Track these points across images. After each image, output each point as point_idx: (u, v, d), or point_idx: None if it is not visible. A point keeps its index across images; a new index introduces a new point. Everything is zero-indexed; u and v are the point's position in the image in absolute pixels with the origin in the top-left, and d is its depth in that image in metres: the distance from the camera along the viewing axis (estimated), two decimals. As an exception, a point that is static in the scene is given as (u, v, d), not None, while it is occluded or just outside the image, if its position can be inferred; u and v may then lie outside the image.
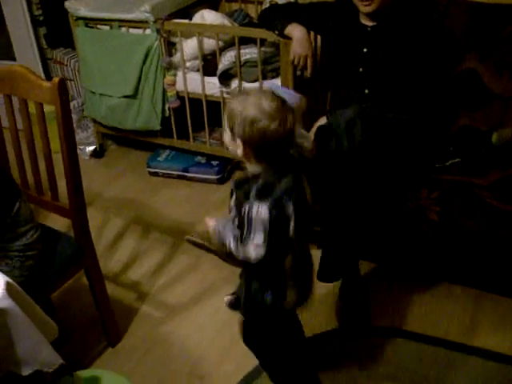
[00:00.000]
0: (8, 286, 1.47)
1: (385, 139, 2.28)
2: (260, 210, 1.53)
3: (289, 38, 2.66)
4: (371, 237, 2.53)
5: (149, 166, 3.53)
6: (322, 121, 2.46)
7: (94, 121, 3.66)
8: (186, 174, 3.45)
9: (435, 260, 2.54)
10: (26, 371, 1.54)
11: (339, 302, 2.46)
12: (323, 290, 2.54)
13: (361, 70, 2.45)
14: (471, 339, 2.30)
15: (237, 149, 1.57)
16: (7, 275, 1.76)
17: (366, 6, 2.34)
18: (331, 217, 2.26)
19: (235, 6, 3.59)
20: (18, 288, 1.52)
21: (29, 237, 1.89)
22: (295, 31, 2.61)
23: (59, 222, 2.42)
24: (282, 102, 1.53)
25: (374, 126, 2.23)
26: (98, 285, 2.25)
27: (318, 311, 2.48)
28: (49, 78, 3.92)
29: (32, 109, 2.05)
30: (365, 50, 2.43)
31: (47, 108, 1.98)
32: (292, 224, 1.59)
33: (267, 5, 3.21)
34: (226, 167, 3.45)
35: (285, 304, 1.75)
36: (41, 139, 2.03)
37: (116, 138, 3.82)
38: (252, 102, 1.52)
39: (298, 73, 2.83)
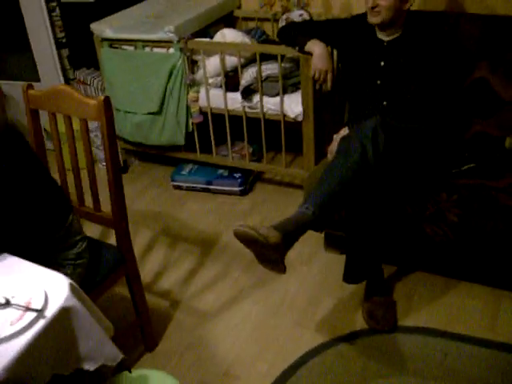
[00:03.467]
0: (71, 286, 1.58)
1: (405, 148, 2.41)
2: None
3: (309, 54, 2.79)
4: (392, 240, 2.64)
5: (173, 180, 3.65)
6: (344, 132, 2.58)
7: (118, 137, 3.78)
8: (210, 186, 3.57)
9: (456, 260, 2.65)
10: (92, 366, 1.64)
11: (365, 303, 2.56)
12: (349, 292, 2.66)
13: (379, 82, 2.57)
14: (493, 335, 2.40)
15: None
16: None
17: (373, 17, 2.48)
18: (356, 222, 2.38)
19: (251, 24, 3.73)
20: (78, 289, 1.63)
21: (79, 247, 2.02)
22: (315, 47, 2.75)
23: (93, 232, 2.52)
24: None
25: (395, 136, 2.35)
26: (138, 291, 2.36)
27: (346, 311, 2.60)
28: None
29: (62, 127, 2.18)
30: (382, 63, 2.55)
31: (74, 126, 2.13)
32: None
33: (283, 22, 3.34)
34: (248, 179, 3.57)
35: None
36: (84, 152, 2.16)
37: (140, 153, 3.95)
38: None
39: (318, 87, 2.95)
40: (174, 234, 3.26)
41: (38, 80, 4.02)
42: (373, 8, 2.43)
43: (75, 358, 1.60)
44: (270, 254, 2.03)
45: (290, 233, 2.09)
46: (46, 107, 2.19)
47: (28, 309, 1.51)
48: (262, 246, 2.01)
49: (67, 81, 4.03)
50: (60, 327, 1.53)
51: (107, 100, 2.00)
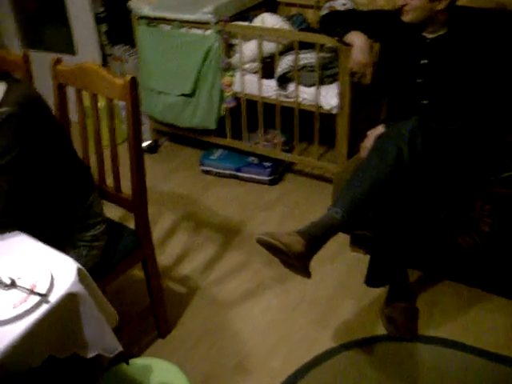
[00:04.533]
0: (79, 271, 1.54)
1: (443, 151, 2.30)
2: None
3: (349, 45, 2.69)
4: (421, 244, 2.55)
5: (202, 164, 3.60)
6: (378, 130, 2.48)
7: (150, 117, 3.75)
8: (238, 173, 3.51)
9: (485, 271, 2.54)
10: (89, 354, 1.60)
11: (385, 308, 2.48)
12: (371, 296, 2.58)
13: (419, 80, 2.46)
14: (519, 353, 2.30)
15: None
16: (74, 262, 1.86)
17: (402, 15, 2.37)
18: (384, 224, 2.29)
19: (294, 10, 3.63)
20: (87, 274, 1.58)
21: (97, 229, 1.98)
22: (356, 38, 2.64)
23: (115, 213, 2.48)
24: None
25: (434, 138, 2.25)
26: (154, 276, 2.32)
27: (366, 315, 2.52)
28: (108, 73, 4.03)
29: (87, 102, 2.14)
30: (423, 61, 2.44)
31: (100, 103, 2.08)
32: None
33: (326, 10, 3.24)
34: (278, 169, 3.50)
35: None
36: (109, 131, 2.11)
37: (170, 134, 3.91)
38: None
39: (356, 80, 2.85)
40: (198, 220, 3.22)
41: (75, 53, 3.99)
42: (402, 6, 2.33)
43: (73, 343, 1.56)
44: (293, 262, 1.97)
45: (316, 238, 2.02)
46: (72, 83, 2.15)
47: (32, 292, 1.47)
48: (285, 255, 1.95)
49: (104, 56, 4.00)
50: (63, 312, 1.48)
51: (133, 80, 1.94)
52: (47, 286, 1.48)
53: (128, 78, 1.93)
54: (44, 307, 1.44)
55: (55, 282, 1.51)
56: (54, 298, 1.46)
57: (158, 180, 3.60)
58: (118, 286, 2.61)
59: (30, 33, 4.23)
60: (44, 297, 1.45)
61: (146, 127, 3.86)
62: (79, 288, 1.51)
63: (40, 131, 1.73)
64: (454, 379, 2.19)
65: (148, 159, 3.83)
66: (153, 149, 3.86)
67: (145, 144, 3.85)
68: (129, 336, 2.35)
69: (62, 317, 1.49)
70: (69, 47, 4.02)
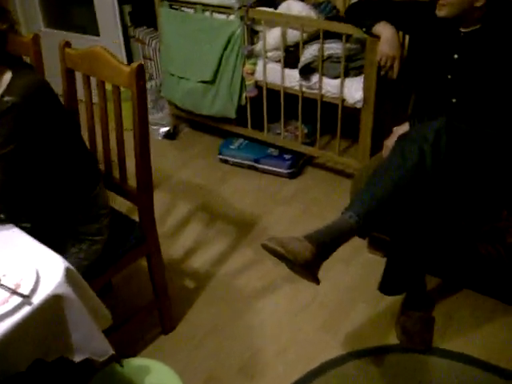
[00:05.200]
0: (67, 272, 1.46)
1: (471, 155, 2.16)
2: None
3: (377, 37, 2.56)
4: (441, 251, 2.41)
5: (220, 153, 3.51)
6: (404, 127, 2.35)
7: (170, 102, 3.66)
8: (257, 164, 3.40)
9: (508, 284, 2.40)
10: (77, 357, 1.54)
11: (400, 316, 2.36)
12: (385, 302, 2.46)
13: (449, 77, 2.31)
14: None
15: None
16: (73, 257, 1.80)
17: (438, 10, 2.21)
18: (403, 229, 2.17)
19: (323, -3, 3.49)
20: (76, 274, 1.51)
21: (100, 222, 1.92)
22: (384, 30, 2.51)
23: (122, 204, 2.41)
24: None
25: (461, 141, 2.11)
26: (158, 272, 2.24)
27: (379, 322, 2.40)
28: (130, 55, 3.96)
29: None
30: (456, 56, 2.29)
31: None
32: None
33: (356, -1, 3.10)
34: (298, 162, 3.39)
35: None
36: (115, 119, 2.02)
37: (190, 121, 3.83)
38: None
39: (383, 73, 2.72)
40: (213, 211, 3.13)
41: (98, 34, 3.92)
42: (437, 0, 2.18)
43: (60, 347, 1.50)
44: (300, 270, 1.86)
45: (327, 244, 1.89)
46: (81, 68, 2.06)
47: (15, 292, 1.39)
48: (291, 262, 1.84)
49: (127, 38, 3.91)
50: (47, 314, 1.41)
51: (140, 68, 1.84)
52: (31, 286, 1.40)
53: (135, 65, 1.84)
54: (26, 309, 1.37)
55: (41, 281, 1.43)
56: (37, 299, 1.39)
57: (176, 167, 3.52)
58: (124, 276, 2.54)
59: (53, 13, 4.15)
60: (26, 298, 1.37)
61: (166, 112, 3.78)
62: (65, 289, 1.44)
63: (44, 121, 1.68)
64: (468, 398, 2.08)
65: (167, 145, 3.76)
66: (172, 135, 3.78)
67: (164, 129, 3.77)
68: (131, 331, 2.28)
69: (46, 319, 1.42)
70: (92, 28, 3.94)
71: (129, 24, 3.88)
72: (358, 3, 2.74)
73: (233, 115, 3.31)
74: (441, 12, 2.22)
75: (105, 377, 1.81)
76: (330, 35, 2.89)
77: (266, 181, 3.37)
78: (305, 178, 3.38)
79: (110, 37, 3.81)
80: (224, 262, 2.77)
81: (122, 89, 1.96)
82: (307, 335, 2.37)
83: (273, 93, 3.19)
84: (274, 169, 3.37)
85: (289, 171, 3.34)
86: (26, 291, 1.39)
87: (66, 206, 1.84)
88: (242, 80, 3.18)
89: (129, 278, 2.62)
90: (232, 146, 3.49)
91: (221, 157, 3.51)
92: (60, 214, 1.85)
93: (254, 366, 2.25)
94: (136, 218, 2.18)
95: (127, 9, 3.83)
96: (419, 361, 2.22)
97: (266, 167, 3.39)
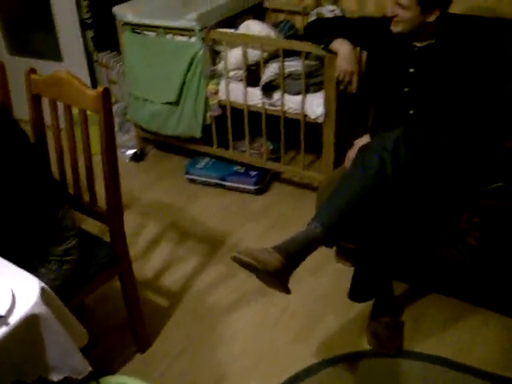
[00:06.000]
0: (43, 292, 1.48)
1: (429, 163, 2.24)
2: None
3: (334, 53, 2.63)
4: (406, 257, 2.49)
5: (187, 173, 3.54)
6: (365, 139, 2.43)
7: (136, 125, 3.70)
8: (224, 182, 3.45)
9: (473, 285, 2.48)
10: (55, 377, 1.56)
11: (371, 322, 2.42)
12: (355, 310, 2.52)
13: (406, 89, 2.40)
14: (507, 371, 2.23)
15: None
16: (44, 277, 1.80)
17: (392, 25, 2.31)
18: (367, 237, 2.23)
19: (281, 17, 3.58)
20: (51, 294, 1.53)
21: (68, 243, 1.92)
22: (342, 47, 2.59)
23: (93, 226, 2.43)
24: None
25: (419, 150, 2.19)
26: (131, 291, 2.26)
27: (350, 330, 2.46)
28: (94, 80, 3.98)
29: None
30: (411, 70, 2.38)
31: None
32: None
33: (313, 17, 3.19)
34: (265, 178, 3.44)
35: None
36: (82, 143, 2.05)
37: (156, 142, 3.86)
38: None
39: (342, 88, 2.80)
40: (183, 230, 3.16)
41: (61, 60, 3.94)
42: (393, 17, 2.28)
43: (38, 366, 1.51)
44: (270, 279, 1.91)
45: (295, 253, 1.96)
46: (47, 94, 2.10)
47: (-9, 313, 1.41)
48: (260, 272, 1.90)
49: (90, 63, 3.94)
50: (24, 335, 1.43)
51: (106, 92, 1.89)
52: (7, 306, 1.42)
53: (100, 89, 1.88)
54: (3, 330, 1.38)
55: (16, 302, 1.45)
56: (14, 319, 1.41)
57: (144, 188, 3.54)
58: (98, 296, 2.54)
59: (15, 39, 4.16)
60: (3, 319, 1.39)
61: (132, 135, 3.81)
62: (42, 309, 1.46)
63: (4, 146, 1.68)
64: (439, 397, 2.14)
65: (133, 168, 3.79)
66: (139, 157, 3.80)
67: (131, 152, 3.80)
68: (106, 350, 2.29)
69: (24, 339, 1.44)
70: (55, 54, 3.95)
71: (92, 49, 3.91)
72: (315, 21, 2.83)
73: (198, 135, 3.36)
74: (396, 28, 2.31)
75: (83, 396, 1.82)
76: (289, 53, 2.96)
77: (233, 198, 3.41)
78: (271, 194, 3.44)
79: (73, 62, 3.83)
80: (196, 279, 2.80)
81: (88, 112, 2.00)
82: (280, 346, 2.41)
83: (237, 111, 3.25)
84: (241, 186, 3.42)
85: (255, 187, 3.39)
86: (1, 312, 1.41)
87: (31, 228, 1.84)
88: (206, 100, 3.23)
89: (102, 299, 2.62)
90: (198, 166, 3.53)
91: (188, 176, 3.55)
92: (25, 236, 1.84)
93: (229, 378, 2.28)
94: (107, 239, 2.21)
95: (90, 34, 3.85)
96: (391, 364, 2.28)
97: (232, 184, 3.44)
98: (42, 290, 1.49)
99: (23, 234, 1.83)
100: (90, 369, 1.61)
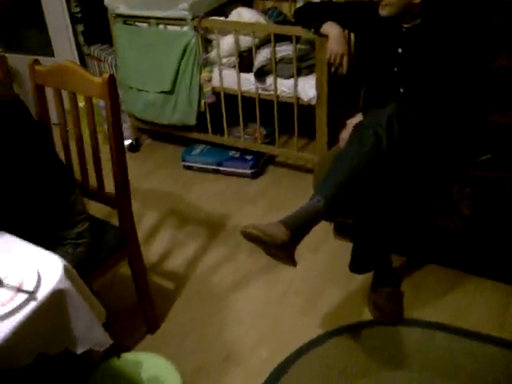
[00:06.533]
0: (66, 268, 1.56)
1: (421, 137, 2.33)
2: None
3: (325, 36, 2.71)
4: (402, 230, 2.58)
5: (183, 160, 3.62)
6: (357, 119, 2.50)
7: (130, 115, 3.75)
8: (220, 168, 3.52)
9: (467, 254, 2.58)
10: (80, 349, 1.63)
11: (371, 293, 2.51)
12: (356, 283, 2.62)
13: (395, 69, 2.48)
14: (501, 332, 2.33)
15: None
16: (61, 260, 1.87)
17: (380, 9, 2.38)
18: (365, 210, 2.32)
19: (269, 4, 3.65)
20: (73, 271, 1.60)
21: (80, 226, 1.99)
22: (332, 29, 2.66)
23: (98, 212, 2.49)
24: None
25: (411, 125, 2.28)
26: (140, 273, 2.34)
27: (352, 302, 2.55)
28: (86, 73, 4.02)
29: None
30: (400, 50, 2.46)
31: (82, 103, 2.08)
32: None
33: (301, 3, 3.26)
34: (260, 162, 3.52)
35: None
36: (89, 130, 2.12)
37: (151, 132, 3.92)
38: None
39: (333, 70, 2.88)
40: (182, 215, 3.23)
41: (53, 55, 3.98)
42: (380, 1, 2.35)
43: (64, 339, 1.58)
44: (277, 252, 2.00)
45: (299, 227, 2.04)
46: (51, 84, 2.16)
47: (20, 290, 1.48)
48: (268, 245, 1.97)
49: (81, 56, 3.99)
50: (51, 309, 1.50)
51: (112, 78, 1.95)
52: (34, 283, 1.50)
53: (106, 75, 1.94)
54: (32, 304, 1.46)
55: (42, 279, 1.52)
56: (41, 294, 1.48)
57: (141, 178, 3.60)
58: (105, 282, 2.61)
59: (6, 35, 4.20)
60: (31, 294, 1.47)
61: (127, 126, 3.86)
62: (66, 284, 1.53)
63: (16, 133, 1.74)
64: (440, 359, 2.24)
65: (130, 158, 3.74)
66: (134, 147, 3.86)
67: (126, 143, 3.85)
68: (118, 333, 2.35)
69: (51, 313, 1.51)
70: (46, 49, 4.00)
71: (82, 43, 3.96)
72: (305, 6, 2.90)
73: (193, 122, 3.43)
74: (383, 12, 2.38)
75: (104, 371, 1.90)
76: (280, 38, 3.03)
77: (229, 183, 3.49)
78: (267, 177, 3.52)
79: (64, 56, 3.86)
80: (199, 262, 2.87)
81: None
82: (286, 320, 2.49)
83: (230, 97, 3.31)
84: (237, 170, 3.49)
85: (251, 171, 3.47)
86: (30, 288, 1.48)
87: (47, 212, 1.91)
88: (200, 87, 3.30)
89: (109, 286, 2.69)
90: (194, 152, 3.60)
91: (184, 163, 3.62)
92: (41, 223, 1.91)
93: (238, 353, 2.36)
94: (114, 223, 2.28)
95: (80, 28, 3.91)
96: (392, 332, 2.38)
97: (229, 169, 3.51)
98: (65, 267, 1.56)
99: (39, 218, 1.89)
100: (112, 341, 1.68)
